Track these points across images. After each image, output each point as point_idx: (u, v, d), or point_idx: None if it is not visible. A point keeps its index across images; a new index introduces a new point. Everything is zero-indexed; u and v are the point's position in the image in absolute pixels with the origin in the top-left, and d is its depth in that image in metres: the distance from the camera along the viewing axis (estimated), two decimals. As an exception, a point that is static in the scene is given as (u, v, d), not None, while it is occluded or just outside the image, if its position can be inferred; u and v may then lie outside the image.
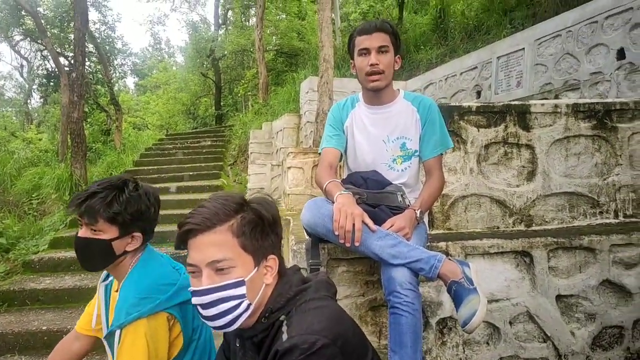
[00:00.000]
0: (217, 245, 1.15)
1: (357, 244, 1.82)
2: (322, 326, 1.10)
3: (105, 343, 1.57)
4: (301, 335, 1.08)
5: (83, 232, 1.59)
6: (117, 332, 1.46)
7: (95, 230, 1.56)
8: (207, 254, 1.15)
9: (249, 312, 1.19)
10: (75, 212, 1.57)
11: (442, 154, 2.21)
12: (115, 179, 1.64)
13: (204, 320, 1.20)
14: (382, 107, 2.19)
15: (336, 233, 1.83)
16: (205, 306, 1.16)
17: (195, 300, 1.17)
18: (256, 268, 1.19)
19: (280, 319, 1.18)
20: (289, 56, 18.25)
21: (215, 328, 1.20)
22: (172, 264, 1.75)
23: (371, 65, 2.06)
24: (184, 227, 1.17)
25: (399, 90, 2.25)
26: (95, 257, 1.61)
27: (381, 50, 2.07)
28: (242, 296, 1.16)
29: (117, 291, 1.67)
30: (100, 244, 1.57)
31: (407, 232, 1.92)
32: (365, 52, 2.08)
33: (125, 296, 1.53)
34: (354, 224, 1.80)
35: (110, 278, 1.78)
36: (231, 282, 1.15)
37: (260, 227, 1.21)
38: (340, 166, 2.37)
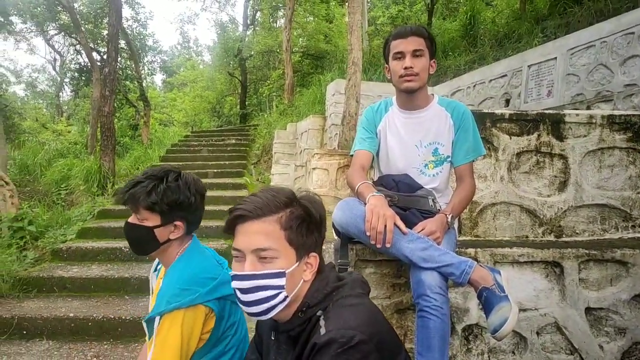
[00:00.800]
0: (264, 234, 1.18)
1: (388, 245, 1.83)
2: (359, 322, 1.12)
3: (145, 326, 1.62)
4: (339, 329, 1.10)
5: (132, 218, 1.68)
6: (157, 318, 1.50)
7: (140, 218, 1.65)
8: (254, 241, 1.18)
9: (285, 304, 1.21)
10: (120, 200, 1.65)
11: (473, 161, 2.21)
12: (158, 169, 1.72)
13: (240, 304, 1.23)
14: (415, 112, 2.18)
15: (368, 234, 1.84)
16: (244, 291, 1.19)
17: (234, 284, 1.20)
18: (297, 263, 1.22)
19: (317, 313, 1.20)
20: (315, 58, 18.34)
21: (249, 314, 1.23)
22: (216, 257, 1.80)
23: (405, 68, 2.06)
24: (235, 212, 1.21)
25: (433, 95, 2.25)
26: (141, 242, 1.70)
27: (416, 54, 2.06)
28: (281, 287, 1.18)
29: (162, 278, 1.73)
30: (144, 231, 1.65)
31: (438, 236, 1.92)
32: (400, 55, 2.09)
33: (168, 285, 1.59)
34: (385, 226, 1.82)
35: (159, 267, 1.84)
36: (272, 271, 1.18)
37: (307, 224, 1.23)
38: (371, 167, 2.38)
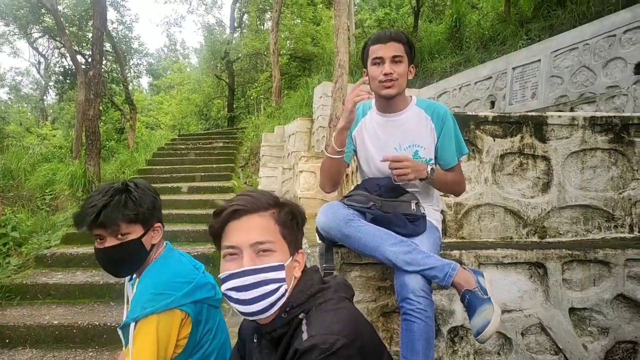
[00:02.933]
0: (261, 227, 1.19)
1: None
2: (341, 327, 1.11)
3: (120, 333, 1.59)
4: (321, 335, 1.09)
5: (109, 242, 1.60)
6: (132, 324, 1.48)
7: (122, 235, 1.60)
8: (252, 235, 1.18)
9: (284, 299, 1.20)
10: (93, 227, 1.57)
11: (460, 160, 2.19)
12: (112, 186, 1.65)
13: (236, 305, 1.18)
14: (393, 114, 2.16)
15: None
16: (243, 288, 1.16)
17: (232, 283, 1.16)
18: (291, 257, 1.24)
19: (300, 316, 1.19)
20: (302, 61, 18.34)
21: (247, 314, 1.19)
22: (192, 262, 1.78)
23: (385, 74, 2.04)
24: (230, 208, 1.20)
25: (411, 97, 2.22)
26: (131, 259, 1.66)
27: (395, 59, 2.04)
28: (281, 280, 1.18)
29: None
30: (133, 245, 1.62)
31: (408, 167, 1.91)
32: (379, 61, 2.06)
33: (142, 290, 1.57)
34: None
35: (134, 275, 1.81)
36: (273, 265, 1.18)
37: (296, 222, 1.27)
38: (352, 172, 2.37)
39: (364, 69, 2.20)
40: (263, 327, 1.26)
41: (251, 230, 1.19)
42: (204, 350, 1.64)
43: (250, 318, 1.22)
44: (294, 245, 1.26)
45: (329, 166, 2.13)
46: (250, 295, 1.16)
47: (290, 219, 1.25)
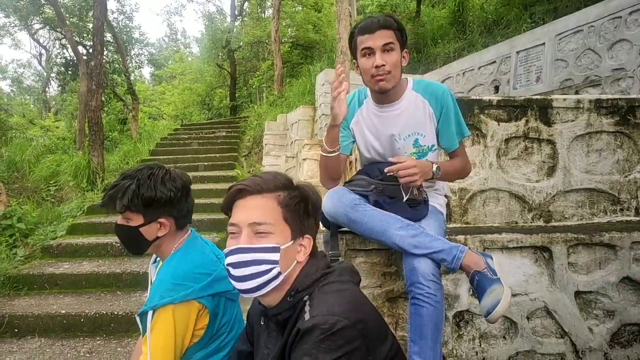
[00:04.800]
0: (262, 208, 1.22)
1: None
2: (343, 308, 1.12)
3: (137, 320, 1.60)
4: (323, 315, 1.10)
5: (120, 219, 1.68)
6: (150, 312, 1.49)
7: (125, 219, 1.65)
8: (251, 215, 1.21)
9: (278, 281, 1.22)
10: (102, 204, 1.66)
11: (462, 141, 2.13)
12: (135, 168, 1.70)
13: (233, 281, 1.24)
14: (389, 105, 2.07)
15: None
16: (238, 265, 1.20)
17: (229, 259, 1.21)
18: (292, 241, 1.24)
19: (304, 299, 1.21)
20: (304, 48, 18.22)
21: (241, 291, 1.24)
22: (215, 252, 1.79)
23: (377, 67, 1.91)
24: (235, 187, 1.25)
25: (407, 80, 2.10)
26: (132, 242, 1.71)
27: (386, 48, 1.91)
28: (274, 262, 1.20)
29: None
30: (131, 231, 1.65)
31: (416, 174, 1.83)
32: (369, 52, 1.93)
33: (162, 279, 1.58)
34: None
35: (158, 259, 1.83)
36: (267, 246, 1.20)
37: (304, 206, 1.27)
38: (356, 158, 2.35)
39: (354, 61, 2.07)
40: (270, 310, 1.28)
41: (251, 210, 1.22)
42: (220, 341, 1.65)
43: (245, 295, 1.25)
44: (299, 229, 1.26)
45: (325, 164, 2.08)
46: (242, 273, 1.20)
47: (297, 202, 1.25)
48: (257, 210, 1.22)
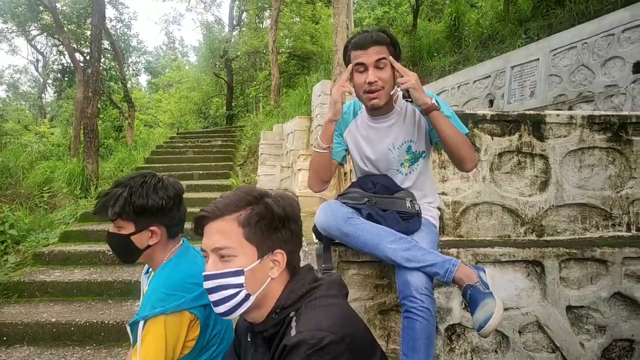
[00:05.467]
0: (221, 233, 1.21)
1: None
2: (330, 323, 1.11)
3: (128, 329, 1.59)
4: (309, 331, 1.09)
5: (111, 228, 1.68)
6: (141, 322, 1.48)
7: (117, 227, 1.65)
8: (212, 240, 1.22)
9: (249, 302, 1.21)
10: (95, 212, 1.66)
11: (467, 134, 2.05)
12: (128, 176, 1.70)
13: (212, 305, 1.25)
14: (382, 117, 2.09)
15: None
16: (209, 291, 1.22)
17: (204, 285, 1.23)
18: (259, 260, 1.22)
19: (290, 315, 1.20)
20: (301, 59, 18.33)
21: (219, 314, 1.24)
22: None
23: (369, 83, 1.93)
24: (198, 215, 1.25)
25: (397, 92, 2.09)
26: (123, 251, 1.70)
27: (378, 65, 1.93)
28: (239, 285, 1.19)
29: None
30: (122, 239, 1.65)
31: (414, 83, 1.86)
32: (362, 68, 1.95)
33: (154, 289, 1.57)
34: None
35: (150, 269, 1.82)
36: (229, 270, 1.19)
37: (268, 221, 1.23)
38: (351, 170, 2.35)
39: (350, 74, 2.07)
40: (255, 327, 1.27)
41: (213, 236, 1.22)
42: (211, 353, 1.64)
43: (224, 317, 1.25)
44: (267, 246, 1.23)
45: (317, 162, 2.10)
46: (214, 298, 1.21)
47: (258, 220, 1.22)
48: (218, 235, 1.21)
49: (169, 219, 1.69)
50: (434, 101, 1.90)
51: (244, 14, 22.40)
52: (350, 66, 1.98)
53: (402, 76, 1.91)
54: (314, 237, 2.25)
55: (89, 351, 3.87)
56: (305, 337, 1.07)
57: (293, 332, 1.13)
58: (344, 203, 2.01)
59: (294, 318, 1.18)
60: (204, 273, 1.21)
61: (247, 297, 1.20)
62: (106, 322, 4.04)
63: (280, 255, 1.25)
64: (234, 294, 1.19)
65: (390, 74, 1.96)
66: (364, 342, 1.19)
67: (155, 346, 1.46)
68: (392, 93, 2.01)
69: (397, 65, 1.94)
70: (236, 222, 1.21)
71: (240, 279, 1.19)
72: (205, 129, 19.31)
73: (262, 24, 22.34)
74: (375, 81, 1.93)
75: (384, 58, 1.93)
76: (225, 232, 1.20)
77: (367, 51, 1.93)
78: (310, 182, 2.18)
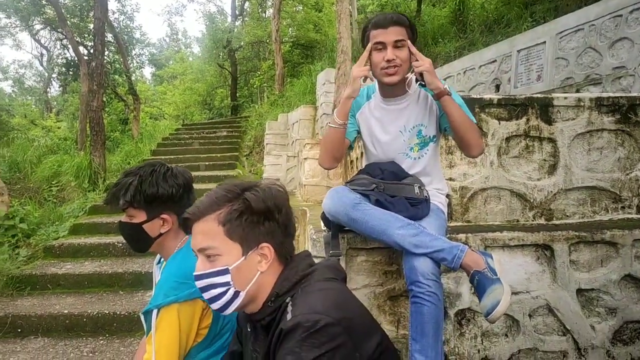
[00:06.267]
0: (204, 233, 1.21)
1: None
2: (326, 306, 1.12)
3: (142, 318, 1.61)
4: (304, 314, 1.10)
5: (123, 217, 1.70)
6: (154, 311, 1.50)
7: (129, 216, 1.68)
8: (197, 241, 1.23)
9: (240, 299, 1.22)
10: (106, 202, 1.68)
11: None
12: (137, 166, 1.73)
13: None
14: (396, 99, 2.13)
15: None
16: (202, 290, 1.23)
17: (196, 284, 1.25)
18: (244, 257, 1.22)
19: (286, 301, 1.20)
20: (305, 48, 18.22)
21: (215, 311, 1.27)
22: None
23: (388, 60, 1.98)
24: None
25: (410, 77, 2.14)
26: (135, 239, 1.72)
27: (397, 44, 1.98)
28: (226, 284, 1.20)
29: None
30: (134, 228, 1.67)
31: (428, 67, 1.95)
32: (381, 46, 2.00)
33: (166, 278, 1.59)
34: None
35: (162, 259, 1.84)
36: (215, 270, 1.20)
37: (248, 216, 1.22)
38: (357, 158, 2.36)
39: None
40: (253, 316, 1.28)
41: (197, 237, 1.23)
42: (223, 341, 1.66)
43: (221, 313, 1.27)
44: (250, 241, 1.23)
45: (331, 138, 2.11)
46: (206, 297, 1.23)
47: (237, 216, 1.21)
48: (201, 236, 1.22)
49: (179, 206, 1.69)
50: (446, 86, 1.95)
51: (247, 4, 22.29)
52: (369, 45, 2.01)
53: (417, 60, 1.97)
54: (322, 224, 2.25)
55: (101, 342, 3.93)
56: (301, 320, 1.08)
57: (289, 316, 1.13)
58: (352, 189, 2.01)
59: (290, 303, 1.19)
60: (194, 273, 1.22)
61: (237, 294, 1.21)
62: (118, 312, 4.09)
63: (266, 249, 1.25)
64: (222, 292, 1.20)
65: (407, 55, 2.01)
66: (362, 324, 1.19)
67: (169, 334, 1.47)
68: (406, 76, 2.06)
69: (414, 49, 1.99)
70: (216, 221, 1.20)
71: (226, 278, 1.20)
72: (210, 120, 19.32)
73: (265, 14, 22.21)
74: (394, 59, 1.98)
75: (402, 39, 1.99)
76: (207, 233, 1.21)
77: (387, 30, 1.99)
78: (322, 159, 2.20)
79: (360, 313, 1.23)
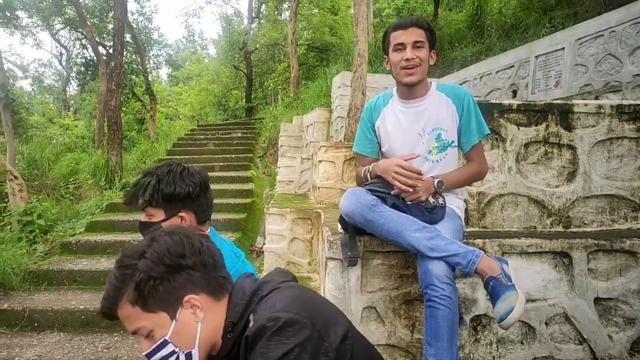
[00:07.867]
0: (125, 319, 1.15)
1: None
2: (284, 304, 1.11)
3: None
4: (265, 317, 1.08)
5: (143, 217, 1.73)
6: None
7: (148, 215, 1.70)
8: (127, 327, 1.17)
9: (196, 356, 1.17)
10: (126, 203, 1.71)
11: (481, 141, 2.18)
12: (155, 166, 1.76)
13: None
14: (415, 100, 2.16)
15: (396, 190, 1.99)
16: None
17: None
18: (174, 320, 1.16)
19: (249, 318, 1.17)
20: (320, 51, 18.25)
21: None
22: (233, 249, 1.83)
23: (407, 60, 2.05)
24: (99, 312, 1.20)
25: (431, 82, 2.23)
26: None
27: (417, 45, 2.05)
28: (172, 352, 1.15)
29: None
30: (152, 227, 1.69)
31: (420, 194, 1.97)
32: (401, 47, 2.07)
33: None
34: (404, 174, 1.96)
35: None
36: (156, 345, 1.15)
37: (152, 283, 1.13)
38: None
39: (385, 57, 2.21)
40: (219, 354, 1.23)
41: (124, 322, 1.16)
42: None
43: None
44: (170, 303, 1.16)
45: (360, 179, 2.24)
46: None
47: (143, 287, 1.12)
48: (126, 322, 1.15)
49: (196, 205, 1.74)
50: (435, 183, 2.02)
51: (263, 6, 22.41)
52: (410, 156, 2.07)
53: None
54: (339, 226, 2.26)
55: (116, 338, 3.98)
56: (263, 322, 1.07)
57: (251, 324, 1.12)
58: (369, 191, 2.02)
59: (251, 317, 1.16)
60: (143, 354, 1.17)
61: (189, 354, 1.17)
62: (133, 309, 4.13)
63: (193, 299, 1.18)
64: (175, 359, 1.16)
65: (427, 55, 2.09)
66: (325, 315, 1.17)
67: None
68: (427, 81, 2.16)
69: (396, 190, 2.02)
70: (128, 303, 1.13)
71: (169, 348, 1.15)
72: (225, 122, 19.45)
73: (281, 16, 22.32)
74: (413, 58, 2.04)
75: (421, 40, 2.06)
76: (128, 317, 1.14)
77: (407, 31, 2.06)
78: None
79: (321, 302, 1.22)
